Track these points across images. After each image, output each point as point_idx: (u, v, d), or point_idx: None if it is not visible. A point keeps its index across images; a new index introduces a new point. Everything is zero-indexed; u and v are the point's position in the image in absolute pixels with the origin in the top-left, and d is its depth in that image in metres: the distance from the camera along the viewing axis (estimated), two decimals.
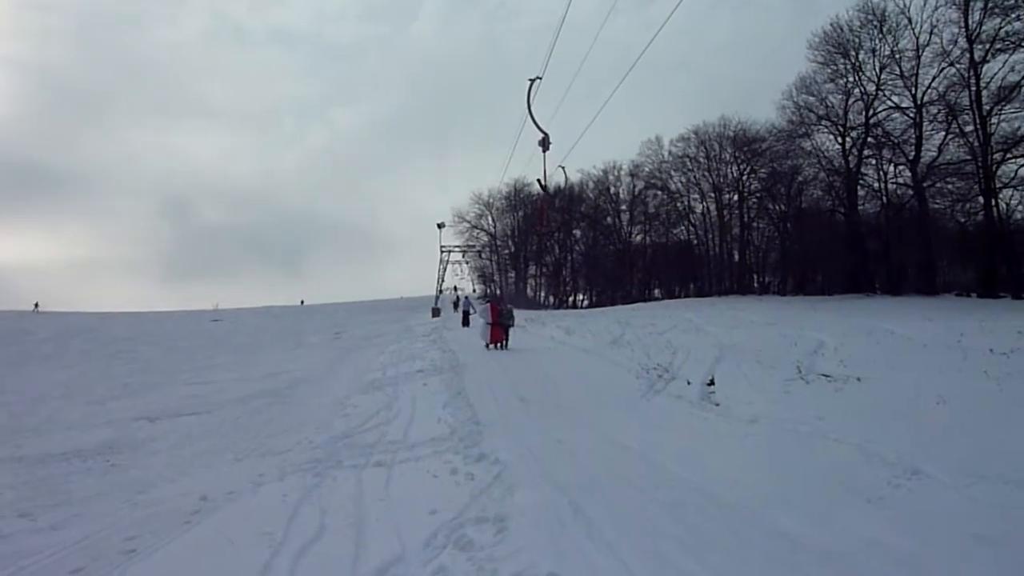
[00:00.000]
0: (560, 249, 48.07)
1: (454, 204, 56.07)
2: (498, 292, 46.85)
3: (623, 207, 43.80)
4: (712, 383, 7.77)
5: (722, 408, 6.69)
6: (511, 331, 14.63)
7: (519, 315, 27.69)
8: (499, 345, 13.85)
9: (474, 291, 54.91)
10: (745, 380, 7.71)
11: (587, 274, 45.56)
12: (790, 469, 4.55)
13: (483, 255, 48.96)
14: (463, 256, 45.15)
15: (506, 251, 49.44)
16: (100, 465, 6.26)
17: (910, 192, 25.89)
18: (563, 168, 14.10)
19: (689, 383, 7.91)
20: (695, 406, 6.90)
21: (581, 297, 47.53)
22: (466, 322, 22.28)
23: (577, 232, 47.50)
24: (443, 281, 41.89)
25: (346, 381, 10.58)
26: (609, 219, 44.53)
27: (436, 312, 31.40)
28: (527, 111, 11.55)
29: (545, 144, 12.24)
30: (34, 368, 14.95)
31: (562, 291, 47.24)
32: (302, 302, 50.56)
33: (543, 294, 50.22)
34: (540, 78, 11.16)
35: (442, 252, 41.25)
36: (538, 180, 36.56)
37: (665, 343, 11.57)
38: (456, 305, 36.10)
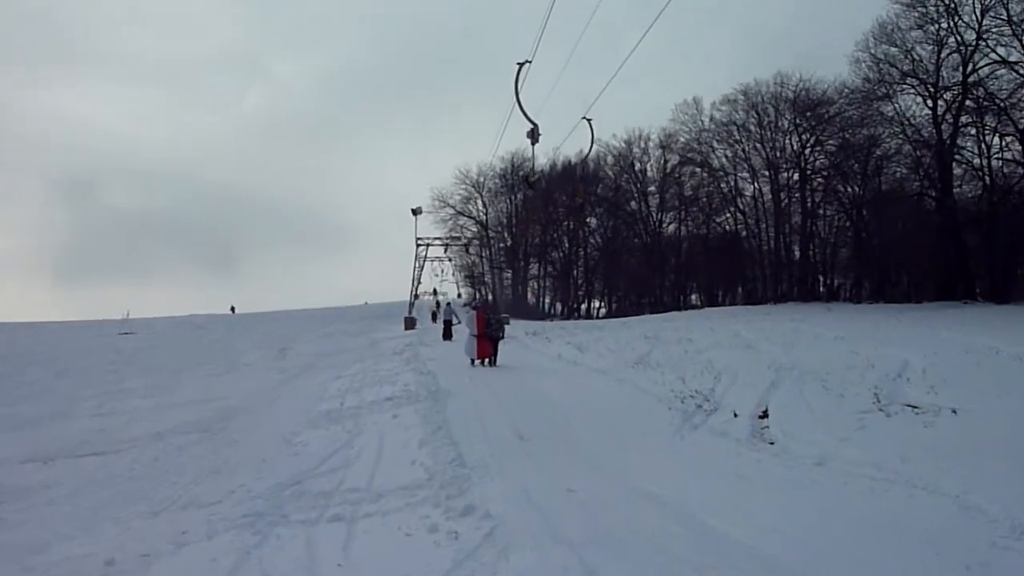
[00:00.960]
0: (570, 242, 48.35)
1: (434, 184, 56.54)
2: (490, 297, 46.94)
3: (651, 188, 44.17)
4: (765, 415, 7.85)
5: (778, 447, 6.75)
6: (501, 344, 15.06)
7: (517, 327, 28.13)
8: (486, 362, 14.60)
9: (459, 296, 55.16)
10: (808, 411, 7.78)
11: (605, 274, 45.87)
12: (865, 527, 4.58)
13: (471, 250, 49.24)
14: (445, 251, 45.36)
15: (501, 245, 49.59)
16: None
17: (1020, 171, 26.07)
18: (589, 121, 13.91)
19: (736, 415, 8.00)
20: (743, 445, 6.96)
21: (597, 304, 47.86)
22: (448, 334, 22.77)
23: (592, 221, 47.76)
24: (419, 283, 41.96)
25: (294, 411, 10.67)
26: (633, 204, 44.92)
27: (411, 323, 31.71)
28: (515, 99, 12.07)
29: (534, 136, 12.78)
30: None
31: (572, 297, 47.51)
32: (233, 309, 50.66)
33: (548, 300, 50.49)
34: (529, 62, 11.73)
35: (418, 246, 41.19)
36: (526, 178, 37.14)
37: (705, 364, 11.66)
38: (435, 315, 36.47)
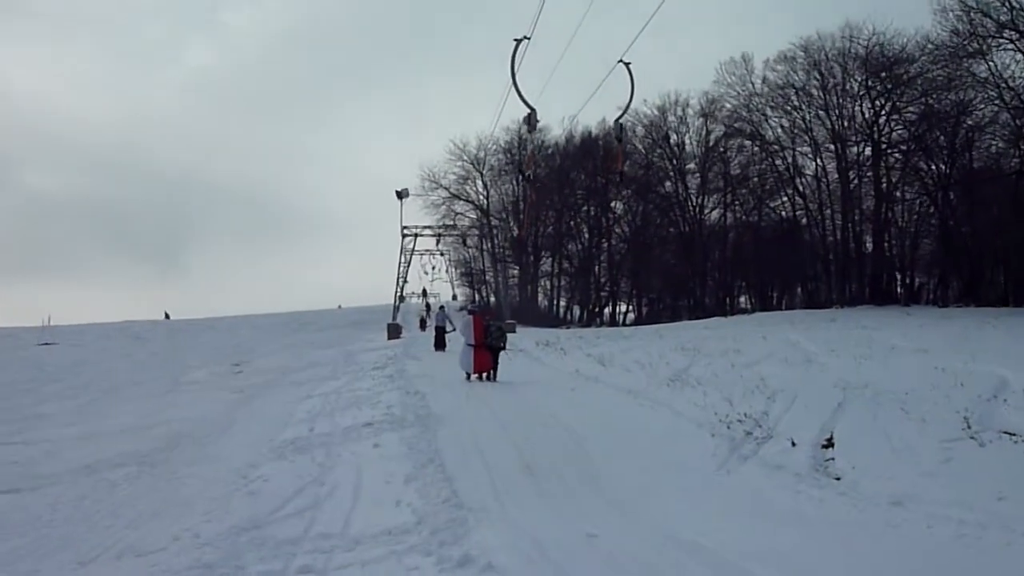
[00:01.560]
0: (591, 232, 48.30)
1: (425, 161, 56.59)
2: (491, 299, 46.94)
3: (690, 166, 44.26)
4: (830, 444, 7.83)
5: (845, 484, 6.74)
6: (503, 356, 15.49)
7: (525, 335, 28.02)
8: (484, 376, 15.11)
9: (454, 298, 55.24)
10: (882, 440, 7.80)
11: (633, 271, 45.90)
12: None
13: (469, 242, 49.39)
14: (437, 243, 45.61)
15: (505, 235, 49.60)
16: None
17: None
18: (627, 65, 13.78)
19: (794, 444, 7.98)
20: (804, 481, 6.98)
21: (624, 308, 47.96)
22: (440, 343, 23.19)
23: (618, 205, 47.75)
24: (405, 282, 42.20)
25: (251, 440, 10.74)
26: (668, 184, 44.98)
27: (395, 330, 32.03)
28: (511, 80, 12.44)
29: (531, 123, 13.22)
30: None
31: (594, 299, 47.55)
32: (167, 315, 50.59)
33: (564, 303, 50.51)
34: (528, 38, 12.11)
35: (404, 236, 41.34)
36: (519, 168, 36.76)
37: (756, 381, 11.67)
38: (424, 322, 36.94)
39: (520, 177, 35.70)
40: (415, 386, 14.36)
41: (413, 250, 42.11)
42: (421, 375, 16.25)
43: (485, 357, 15.09)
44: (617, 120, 15.03)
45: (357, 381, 16.34)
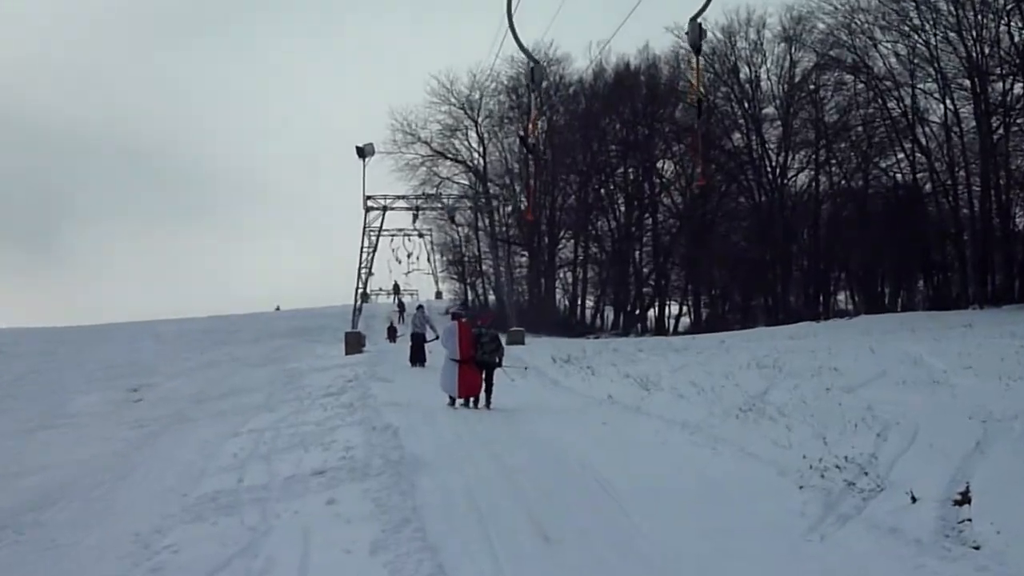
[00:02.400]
0: (628, 203, 47.68)
1: (398, 106, 55.97)
2: (490, 297, 46.69)
3: (768, 110, 43.95)
4: (965, 500, 7.78)
5: (988, 555, 6.67)
6: (500, 373, 15.79)
7: (537, 347, 27.42)
8: (473, 402, 15.53)
9: (439, 295, 55.06)
10: None
11: (688, 258, 45.46)
12: None
13: (459, 218, 48.88)
14: (415, 220, 45.43)
15: (510, 209, 49.25)
16: None
17: None
18: None
19: (914, 499, 7.92)
20: (927, 551, 6.94)
21: (676, 310, 47.58)
22: (418, 356, 23.94)
23: (665, 167, 47.22)
24: (371, 275, 41.90)
25: (158, 494, 10.74)
26: (738, 137, 44.71)
27: (355, 341, 32.20)
28: (508, 27, 13.00)
29: (535, 78, 13.97)
30: None
31: (634, 297, 47.12)
32: None
33: (591, 303, 50.25)
34: None
35: (369, 211, 40.31)
36: (520, 136, 35.92)
37: (861, 411, 11.57)
38: (394, 330, 37.05)
39: (523, 146, 35.30)
40: (384, 418, 14.36)
41: (381, 229, 41.28)
42: (392, 403, 16.28)
43: (474, 376, 15.40)
44: (694, 18, 13.43)
45: (303, 412, 16.39)
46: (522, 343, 32.01)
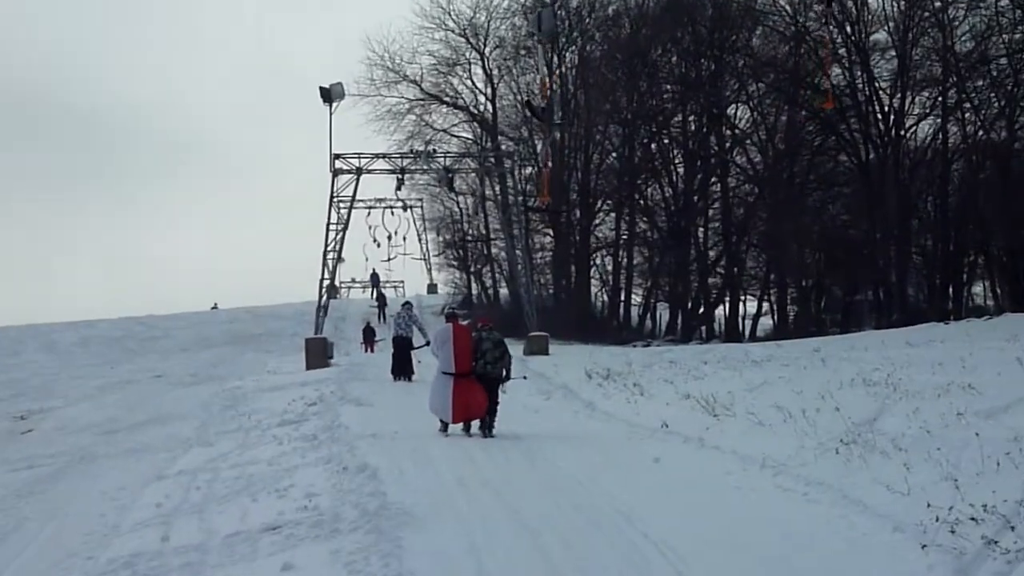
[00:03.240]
0: (688, 164, 42.00)
1: (376, 33, 51.86)
2: (501, 290, 43.59)
3: (878, 35, 38.30)
4: None
5: None
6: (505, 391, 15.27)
7: (568, 357, 25.27)
8: (472, 427, 14.64)
9: (432, 289, 52.42)
10: None
11: (770, 238, 40.87)
12: None
13: (458, 184, 43.28)
14: (399, 187, 38.71)
15: (528, 168, 44.52)
16: None
17: None
18: None
19: None
20: None
21: (753, 307, 43.28)
22: (403, 367, 23.35)
23: (739, 115, 41.53)
24: (340, 261, 37.82)
25: (55, 559, 10.38)
26: (837, 74, 38.91)
27: (320, 350, 29.85)
28: None
29: (544, 28, 13.06)
30: None
31: (697, 292, 43.38)
32: None
33: (639, 300, 45.92)
34: None
35: (337, 174, 35.22)
36: (527, 101, 33.26)
37: (1006, 443, 10.43)
38: (371, 333, 35.90)
39: (528, 111, 31.51)
40: (359, 455, 13.18)
41: (354, 200, 35.47)
42: (369, 433, 14.87)
43: (473, 394, 14.20)
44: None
45: (250, 448, 15.51)
46: (546, 353, 29.40)
